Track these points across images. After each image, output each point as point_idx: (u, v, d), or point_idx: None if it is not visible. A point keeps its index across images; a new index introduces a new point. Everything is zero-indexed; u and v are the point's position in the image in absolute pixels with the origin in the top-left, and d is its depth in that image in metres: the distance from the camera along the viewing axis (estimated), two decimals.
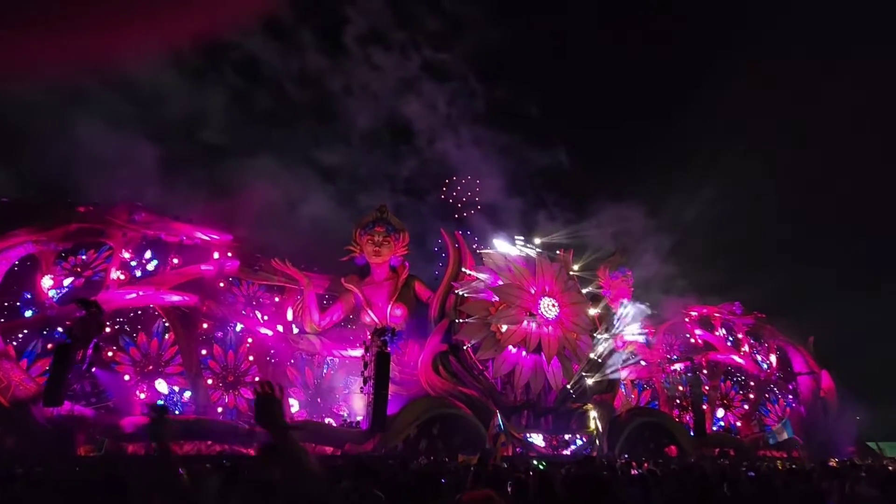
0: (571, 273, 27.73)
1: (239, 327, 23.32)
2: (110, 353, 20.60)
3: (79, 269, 20.90)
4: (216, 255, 22.76)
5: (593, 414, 25.59)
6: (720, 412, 32.48)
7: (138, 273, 21.53)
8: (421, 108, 36.12)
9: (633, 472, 7.59)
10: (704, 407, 28.99)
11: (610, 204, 32.67)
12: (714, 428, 30.80)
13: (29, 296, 19.51)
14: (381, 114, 41.73)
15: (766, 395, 34.64)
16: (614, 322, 28.15)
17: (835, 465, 13.02)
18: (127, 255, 21.04)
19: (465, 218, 30.95)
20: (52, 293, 19.85)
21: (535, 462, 16.20)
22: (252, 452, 16.96)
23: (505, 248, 26.28)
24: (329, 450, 19.27)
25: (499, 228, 27.30)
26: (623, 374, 28.13)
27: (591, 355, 26.51)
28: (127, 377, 20.70)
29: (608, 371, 26.72)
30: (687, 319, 33.19)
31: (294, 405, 22.88)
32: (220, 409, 21.78)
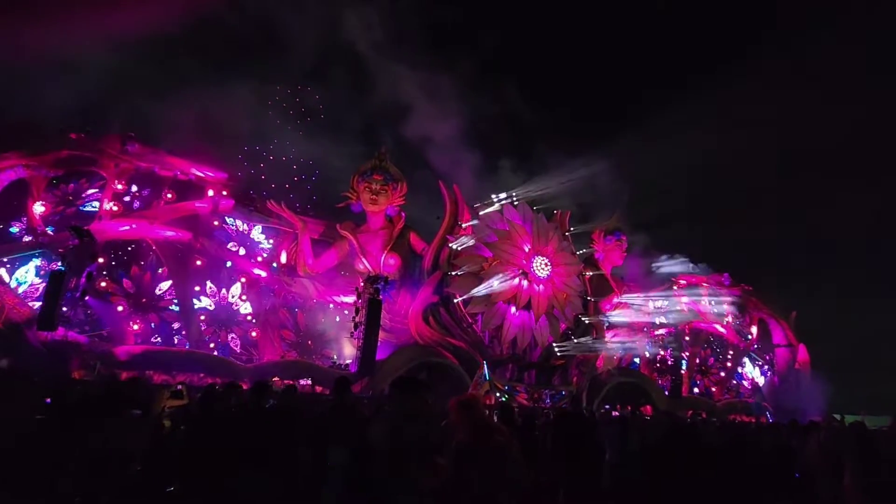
0: (567, 234, 27.85)
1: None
2: (103, 284, 20.72)
3: (70, 198, 20.63)
4: (211, 193, 22.49)
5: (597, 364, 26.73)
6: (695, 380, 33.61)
7: (134, 205, 21.31)
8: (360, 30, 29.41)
9: (614, 413, 7.95)
10: (683, 371, 29.98)
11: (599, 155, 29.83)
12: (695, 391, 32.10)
13: (22, 220, 19.33)
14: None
15: (742, 365, 35.89)
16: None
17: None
18: (120, 187, 20.73)
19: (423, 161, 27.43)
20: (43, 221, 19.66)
21: (499, 394, 16.82)
22: (244, 386, 17.42)
23: (500, 204, 26.10)
24: (318, 389, 19.85)
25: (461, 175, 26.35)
26: (608, 336, 28.78)
27: (580, 317, 27.03)
28: (120, 308, 20.92)
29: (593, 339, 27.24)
30: (675, 287, 33.71)
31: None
32: (212, 345, 22.19)
